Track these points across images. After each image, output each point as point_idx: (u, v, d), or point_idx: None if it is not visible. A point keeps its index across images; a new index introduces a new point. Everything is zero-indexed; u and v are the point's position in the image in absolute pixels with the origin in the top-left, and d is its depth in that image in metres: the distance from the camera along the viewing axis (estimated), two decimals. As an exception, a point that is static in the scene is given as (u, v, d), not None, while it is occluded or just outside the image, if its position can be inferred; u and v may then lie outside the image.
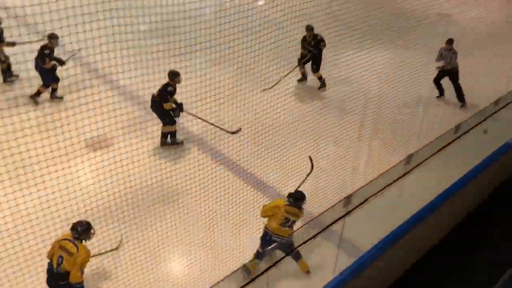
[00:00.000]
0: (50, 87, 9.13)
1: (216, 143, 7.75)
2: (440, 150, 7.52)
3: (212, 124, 7.64)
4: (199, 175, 6.56)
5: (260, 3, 8.61)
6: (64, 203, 5.45)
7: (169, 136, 8.06)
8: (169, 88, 7.72)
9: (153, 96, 7.79)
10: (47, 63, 8.80)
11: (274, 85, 9.13)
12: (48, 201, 5.37)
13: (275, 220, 5.65)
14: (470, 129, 8.26)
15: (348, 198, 6.65)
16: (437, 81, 10.20)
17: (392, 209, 6.76)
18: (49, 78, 8.99)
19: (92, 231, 5.00)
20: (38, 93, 8.96)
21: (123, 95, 8.86)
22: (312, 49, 9.98)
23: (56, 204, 5.40)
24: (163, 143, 8.04)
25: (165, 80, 7.69)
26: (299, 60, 10.24)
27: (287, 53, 8.56)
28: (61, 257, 4.76)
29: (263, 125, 7.08)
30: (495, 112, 8.99)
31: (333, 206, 6.61)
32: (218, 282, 5.68)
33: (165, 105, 7.74)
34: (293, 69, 10.08)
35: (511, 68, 10.79)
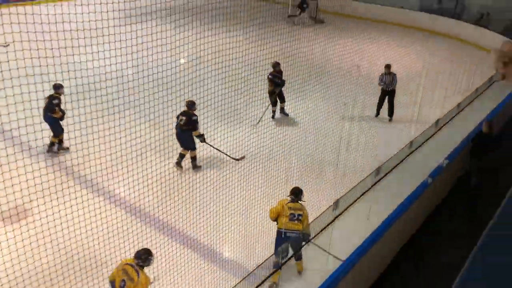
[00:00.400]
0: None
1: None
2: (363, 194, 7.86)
3: (222, 152, 9.07)
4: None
5: (182, 61, 9.03)
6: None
7: (191, 159, 9.12)
8: (195, 118, 8.75)
9: (181, 126, 8.80)
10: (56, 113, 9.06)
11: (259, 121, 10.40)
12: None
13: (283, 217, 6.13)
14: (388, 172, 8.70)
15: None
16: (380, 103, 11.83)
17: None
18: (58, 127, 9.22)
19: (152, 258, 5.24)
20: (52, 143, 9.30)
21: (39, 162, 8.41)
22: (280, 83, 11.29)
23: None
24: (194, 166, 9.15)
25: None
26: (271, 96, 11.40)
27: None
28: (123, 281, 5.04)
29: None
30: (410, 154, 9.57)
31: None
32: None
33: (194, 132, 8.82)
34: (268, 107, 11.41)
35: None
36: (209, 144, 9.16)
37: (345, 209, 7.36)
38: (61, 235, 5.96)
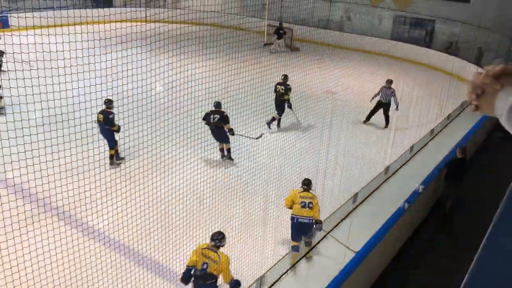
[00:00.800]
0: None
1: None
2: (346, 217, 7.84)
3: (243, 135, 10.20)
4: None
5: (159, 88, 9.10)
6: None
7: (226, 151, 10.38)
8: (226, 114, 9.89)
9: (214, 124, 9.91)
10: (114, 126, 9.52)
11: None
12: None
13: (296, 205, 6.92)
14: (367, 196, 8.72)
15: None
16: (372, 111, 13.00)
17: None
18: (114, 140, 9.74)
19: (225, 239, 5.79)
20: (112, 156, 9.77)
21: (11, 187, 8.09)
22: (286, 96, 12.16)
23: None
24: (229, 157, 10.38)
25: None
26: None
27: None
28: (206, 263, 5.56)
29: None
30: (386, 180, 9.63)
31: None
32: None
33: (227, 126, 9.88)
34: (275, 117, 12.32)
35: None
36: (239, 135, 10.28)
37: (319, 242, 7.29)
38: (29, 271, 5.68)
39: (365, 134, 12.59)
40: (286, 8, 24.57)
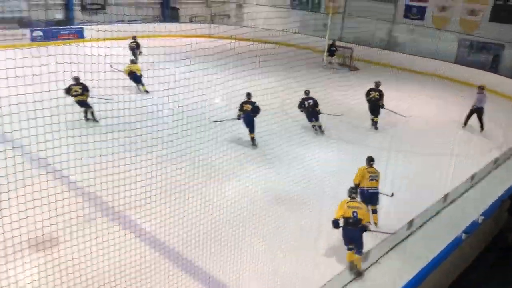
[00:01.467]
0: None
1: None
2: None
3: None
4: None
5: (217, 101, 9.38)
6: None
7: (318, 127, 12.84)
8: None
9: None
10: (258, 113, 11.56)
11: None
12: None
13: (365, 179, 8.33)
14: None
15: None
16: (468, 116, 14.26)
17: None
18: (254, 126, 11.63)
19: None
20: (253, 138, 11.62)
21: (74, 190, 8.54)
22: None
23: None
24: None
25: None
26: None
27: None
28: (355, 212, 7.12)
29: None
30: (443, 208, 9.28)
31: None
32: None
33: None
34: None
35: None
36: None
37: (373, 263, 7.11)
38: (84, 266, 5.95)
39: (424, 158, 12.19)
40: (347, 28, 24.57)
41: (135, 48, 17.55)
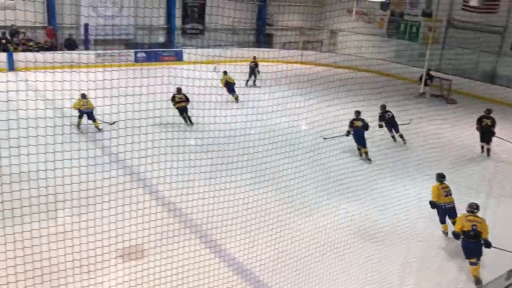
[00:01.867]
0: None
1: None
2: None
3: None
4: None
5: (303, 127, 9.30)
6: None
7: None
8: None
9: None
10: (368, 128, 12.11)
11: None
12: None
13: (440, 196, 8.52)
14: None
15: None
16: None
17: None
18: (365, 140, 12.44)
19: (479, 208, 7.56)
20: (366, 152, 12.23)
21: (162, 205, 8.85)
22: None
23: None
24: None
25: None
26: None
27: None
28: (474, 225, 7.26)
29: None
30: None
31: None
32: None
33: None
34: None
35: None
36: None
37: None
38: (171, 280, 6.07)
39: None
40: (446, 59, 23.43)
41: (254, 67, 19.60)
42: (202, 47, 24.25)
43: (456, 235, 7.58)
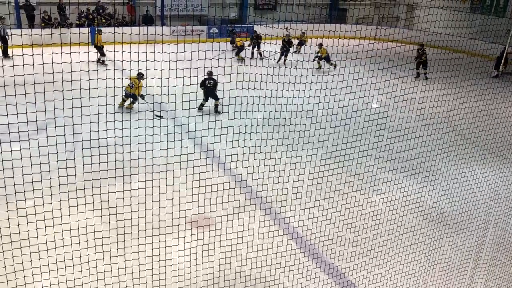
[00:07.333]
0: None
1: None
2: None
3: None
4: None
5: (374, 105, 9.03)
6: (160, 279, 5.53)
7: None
8: None
9: None
10: None
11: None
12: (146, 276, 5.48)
13: None
14: None
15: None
16: None
17: None
18: None
19: None
20: None
21: (230, 176, 9.11)
22: None
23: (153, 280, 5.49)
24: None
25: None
26: None
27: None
28: None
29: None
30: None
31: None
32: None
33: None
34: None
35: None
36: None
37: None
38: (235, 249, 6.30)
39: None
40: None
41: (287, 44, 19.21)
42: (275, 22, 24.18)
43: None
